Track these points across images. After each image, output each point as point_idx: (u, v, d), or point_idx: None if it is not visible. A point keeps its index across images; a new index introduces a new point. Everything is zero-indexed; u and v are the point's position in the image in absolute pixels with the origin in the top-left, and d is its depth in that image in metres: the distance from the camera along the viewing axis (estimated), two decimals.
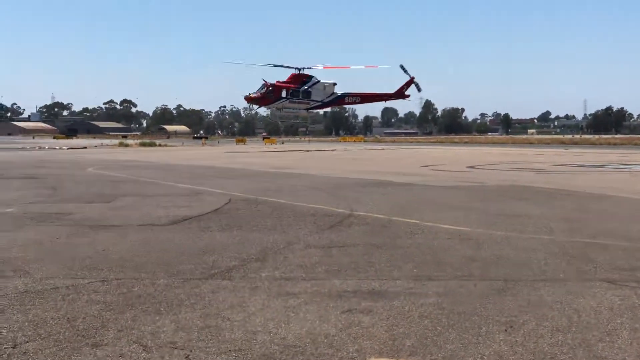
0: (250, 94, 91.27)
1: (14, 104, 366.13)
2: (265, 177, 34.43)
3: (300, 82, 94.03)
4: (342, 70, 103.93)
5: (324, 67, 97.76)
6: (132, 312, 8.68)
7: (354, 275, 10.90)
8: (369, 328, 7.98)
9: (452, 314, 8.54)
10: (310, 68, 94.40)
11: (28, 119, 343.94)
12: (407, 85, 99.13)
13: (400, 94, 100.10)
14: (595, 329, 7.94)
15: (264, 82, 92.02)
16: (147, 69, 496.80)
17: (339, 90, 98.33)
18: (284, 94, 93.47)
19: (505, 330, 7.87)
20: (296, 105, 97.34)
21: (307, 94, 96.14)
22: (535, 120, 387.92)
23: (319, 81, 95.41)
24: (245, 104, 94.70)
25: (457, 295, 9.54)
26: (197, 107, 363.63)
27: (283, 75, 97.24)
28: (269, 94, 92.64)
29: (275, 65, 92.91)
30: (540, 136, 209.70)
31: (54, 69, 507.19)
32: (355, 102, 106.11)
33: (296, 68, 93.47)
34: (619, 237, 14.67)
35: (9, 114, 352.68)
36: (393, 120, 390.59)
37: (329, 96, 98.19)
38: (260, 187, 27.15)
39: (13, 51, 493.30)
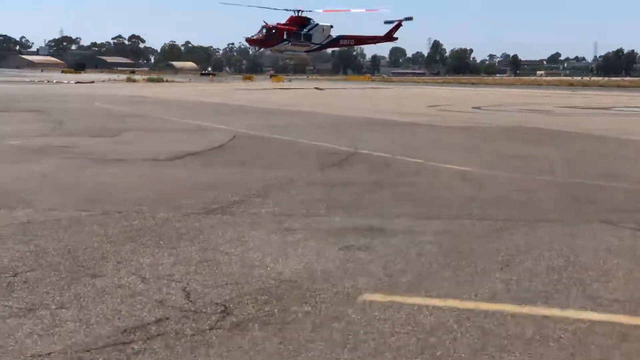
0: (252, 36, 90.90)
1: (23, 37, 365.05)
2: (271, 114, 34.40)
3: (300, 25, 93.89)
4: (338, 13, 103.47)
5: (324, 11, 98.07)
6: (132, 244, 8.72)
7: (355, 212, 10.92)
8: (365, 264, 8.01)
9: (449, 253, 8.56)
10: (310, 11, 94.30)
11: (37, 53, 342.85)
12: (396, 28, 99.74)
13: (389, 37, 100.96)
14: (592, 269, 7.96)
15: (264, 24, 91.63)
16: (156, 4, 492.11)
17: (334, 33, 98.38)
18: (285, 36, 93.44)
19: (501, 269, 7.89)
20: (297, 48, 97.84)
21: (308, 37, 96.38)
22: (544, 62, 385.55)
23: (317, 24, 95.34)
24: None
25: (456, 234, 9.56)
26: (206, 44, 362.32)
27: (282, 18, 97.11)
28: (271, 37, 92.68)
29: (274, 9, 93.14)
30: (548, 78, 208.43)
31: (63, 2, 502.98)
32: (349, 45, 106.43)
33: (295, 10, 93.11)
34: (622, 179, 14.66)
35: (17, 47, 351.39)
36: (401, 60, 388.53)
37: (326, 39, 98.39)
38: (266, 124, 27.12)
39: None
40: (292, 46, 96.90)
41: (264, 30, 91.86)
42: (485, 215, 10.85)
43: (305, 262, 8.07)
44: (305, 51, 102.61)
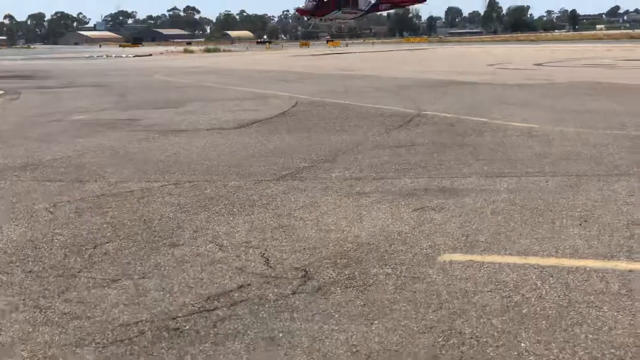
0: (303, 6, 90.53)
1: (80, 13, 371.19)
2: (331, 79, 34.31)
3: None
4: None
5: None
6: (206, 213, 8.76)
7: (424, 173, 10.85)
8: (441, 225, 7.96)
9: (524, 210, 8.47)
10: None
11: (94, 28, 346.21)
12: None
13: None
14: None
15: None
16: None
17: None
18: (335, 4, 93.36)
19: (580, 224, 7.79)
20: (347, 15, 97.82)
21: (355, 3, 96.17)
22: (603, 16, 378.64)
23: None
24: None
25: (529, 191, 9.45)
26: (260, 12, 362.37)
27: None
28: (323, 5, 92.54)
29: None
30: (609, 32, 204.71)
31: None
32: (388, 9, 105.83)
33: None
34: None
35: (75, 24, 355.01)
36: (457, 20, 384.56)
37: (368, 4, 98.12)
38: (326, 90, 27.07)
39: None
40: (342, 14, 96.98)
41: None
42: (557, 171, 10.71)
43: (381, 224, 8.04)
44: (352, 18, 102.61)
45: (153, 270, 6.70)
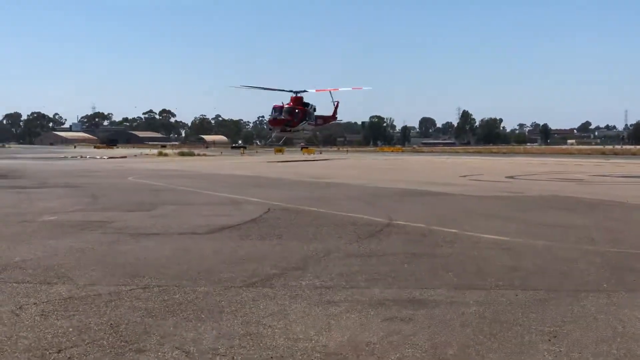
0: (279, 117, 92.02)
1: (56, 114, 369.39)
2: (304, 186, 34.47)
3: (303, 104, 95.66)
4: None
5: (317, 90, 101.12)
6: (174, 318, 8.71)
7: (394, 283, 10.87)
8: (410, 336, 7.95)
9: (494, 323, 8.48)
10: (305, 91, 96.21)
11: (69, 129, 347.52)
12: (336, 108, 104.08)
13: (334, 116, 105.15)
14: None
15: (283, 104, 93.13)
16: (185, 79, 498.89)
17: None
18: (302, 116, 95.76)
19: (549, 340, 7.81)
20: (309, 127, 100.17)
21: (311, 116, 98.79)
22: (574, 131, 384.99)
23: (311, 104, 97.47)
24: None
25: (499, 304, 9.48)
26: (236, 117, 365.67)
27: (273, 99, 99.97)
28: (295, 116, 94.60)
29: (276, 90, 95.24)
30: (580, 146, 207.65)
31: (94, 79, 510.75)
32: (321, 125, 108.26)
33: (294, 92, 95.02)
34: None
35: (51, 124, 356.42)
36: (431, 130, 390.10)
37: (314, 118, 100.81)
38: (299, 197, 27.19)
39: (54, 62, 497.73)
40: (308, 125, 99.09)
41: (287, 111, 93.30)
42: (526, 285, 10.77)
43: (350, 334, 8.02)
44: (312, 130, 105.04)
45: None
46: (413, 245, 14.74)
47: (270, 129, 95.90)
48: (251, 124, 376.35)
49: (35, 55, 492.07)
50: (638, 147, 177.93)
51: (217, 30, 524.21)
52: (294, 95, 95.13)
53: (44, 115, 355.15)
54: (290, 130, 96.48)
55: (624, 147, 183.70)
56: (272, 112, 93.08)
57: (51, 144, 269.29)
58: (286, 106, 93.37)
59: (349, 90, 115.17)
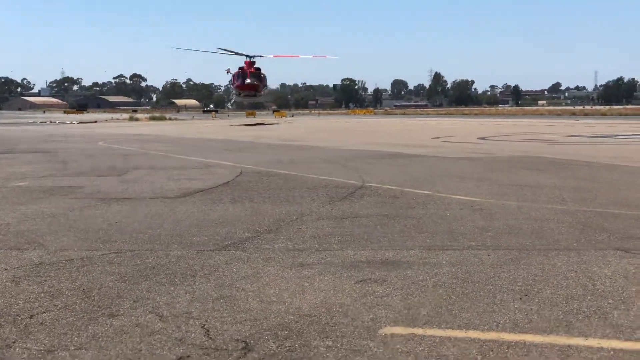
0: (250, 82, 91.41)
1: (24, 79, 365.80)
2: (276, 149, 34.43)
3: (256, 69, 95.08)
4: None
5: (274, 56, 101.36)
6: (147, 283, 8.70)
7: (367, 245, 10.90)
8: (383, 297, 7.98)
9: (466, 283, 8.53)
10: (261, 56, 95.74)
11: (38, 94, 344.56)
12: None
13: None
14: (610, 297, 7.93)
15: (251, 69, 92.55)
16: (156, 43, 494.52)
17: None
18: (263, 81, 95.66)
19: (520, 298, 7.86)
20: (262, 92, 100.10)
21: (266, 81, 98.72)
22: (545, 92, 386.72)
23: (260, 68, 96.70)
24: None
25: (471, 264, 9.53)
26: (207, 82, 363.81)
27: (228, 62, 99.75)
28: (262, 80, 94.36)
29: (227, 51, 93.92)
30: (550, 107, 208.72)
31: (63, 43, 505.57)
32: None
33: (247, 55, 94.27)
34: (632, 207, 14.64)
35: (19, 89, 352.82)
36: (403, 92, 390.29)
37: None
38: (272, 160, 27.16)
39: (23, 26, 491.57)
40: (264, 90, 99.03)
41: (255, 76, 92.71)
42: (498, 245, 10.83)
43: (323, 296, 8.04)
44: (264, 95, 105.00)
45: (90, 341, 6.61)
46: (386, 207, 14.77)
47: (238, 94, 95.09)
48: (222, 88, 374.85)
49: (2, 19, 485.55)
50: (607, 107, 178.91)
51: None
52: (248, 59, 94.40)
53: (11, 80, 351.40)
54: (255, 95, 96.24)
55: (594, 107, 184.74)
56: (239, 76, 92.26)
57: (19, 109, 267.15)
58: (252, 70, 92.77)
59: (309, 58, 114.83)
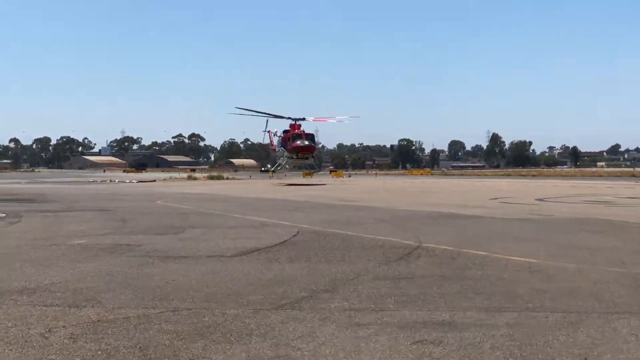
0: (307, 144, 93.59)
1: (85, 138, 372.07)
2: (333, 209, 34.47)
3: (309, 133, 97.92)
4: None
5: (314, 119, 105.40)
6: (203, 341, 8.73)
7: (424, 306, 10.83)
8: (440, 359, 7.90)
9: (524, 346, 8.43)
10: (303, 119, 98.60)
11: (99, 153, 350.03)
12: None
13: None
14: None
15: (303, 131, 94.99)
16: (214, 103, 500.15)
17: None
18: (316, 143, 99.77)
19: None
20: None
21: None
22: (604, 153, 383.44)
23: None
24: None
25: (529, 327, 9.42)
26: (265, 141, 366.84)
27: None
28: (313, 141, 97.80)
29: (277, 117, 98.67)
30: (610, 169, 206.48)
31: (124, 104, 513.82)
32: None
33: (293, 119, 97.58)
34: None
35: (80, 148, 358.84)
36: (460, 153, 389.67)
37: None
38: (328, 220, 27.19)
39: (85, 86, 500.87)
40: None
41: (311, 138, 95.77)
42: (557, 307, 10.69)
43: (378, 357, 8.00)
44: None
45: None
46: (442, 268, 14.69)
47: (290, 157, 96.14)
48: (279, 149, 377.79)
49: (64, 79, 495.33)
50: None
51: (240, 56, 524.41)
52: (293, 122, 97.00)
53: (73, 140, 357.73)
54: (308, 158, 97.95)
55: None
56: (292, 138, 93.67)
57: (80, 168, 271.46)
58: (307, 132, 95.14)
59: (345, 118, 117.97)
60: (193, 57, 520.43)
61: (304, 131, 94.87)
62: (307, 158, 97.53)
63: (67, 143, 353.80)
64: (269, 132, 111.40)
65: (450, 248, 17.93)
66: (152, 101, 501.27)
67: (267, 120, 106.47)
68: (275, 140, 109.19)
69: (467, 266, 14.95)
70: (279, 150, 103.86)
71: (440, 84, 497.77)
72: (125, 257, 16.72)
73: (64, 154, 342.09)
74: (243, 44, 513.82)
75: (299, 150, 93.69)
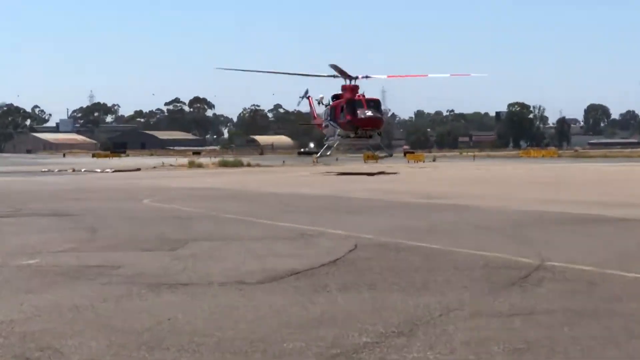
0: (373, 115, 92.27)
1: (36, 106, 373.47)
2: (410, 210, 34.45)
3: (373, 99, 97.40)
4: None
5: (389, 77, 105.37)
6: None
7: (551, 356, 10.80)
8: None
9: None
10: (367, 77, 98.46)
11: (56, 129, 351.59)
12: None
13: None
14: None
15: (364, 97, 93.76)
16: (227, 54, 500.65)
17: None
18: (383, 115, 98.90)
19: None
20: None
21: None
22: None
23: None
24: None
25: None
26: (304, 109, 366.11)
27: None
28: (384, 115, 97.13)
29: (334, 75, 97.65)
30: None
31: (93, 56, 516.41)
32: None
33: (350, 76, 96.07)
34: None
35: (28, 122, 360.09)
36: (602, 124, 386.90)
37: None
38: (403, 226, 27.17)
39: (35, 33, 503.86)
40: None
41: (378, 107, 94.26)
42: None
43: None
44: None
45: None
46: (577, 299, 14.64)
47: (345, 135, 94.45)
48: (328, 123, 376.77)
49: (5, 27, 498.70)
50: None
51: None
52: (350, 82, 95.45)
53: (18, 109, 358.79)
54: (372, 135, 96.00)
55: None
56: (349, 108, 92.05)
57: (28, 150, 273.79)
58: (369, 98, 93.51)
59: (446, 77, 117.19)
60: None
61: (364, 96, 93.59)
62: (370, 136, 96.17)
63: (9, 114, 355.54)
64: (309, 98, 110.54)
65: (588, 268, 17.84)
66: (135, 48, 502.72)
67: (307, 90, 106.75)
68: (321, 111, 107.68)
69: (616, 296, 14.87)
70: (327, 126, 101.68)
71: (570, 22, 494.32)
72: (97, 285, 16.81)
73: (5, 129, 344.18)
74: None
75: (358, 125, 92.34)
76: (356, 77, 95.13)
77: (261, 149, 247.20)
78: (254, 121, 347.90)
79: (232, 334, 12.36)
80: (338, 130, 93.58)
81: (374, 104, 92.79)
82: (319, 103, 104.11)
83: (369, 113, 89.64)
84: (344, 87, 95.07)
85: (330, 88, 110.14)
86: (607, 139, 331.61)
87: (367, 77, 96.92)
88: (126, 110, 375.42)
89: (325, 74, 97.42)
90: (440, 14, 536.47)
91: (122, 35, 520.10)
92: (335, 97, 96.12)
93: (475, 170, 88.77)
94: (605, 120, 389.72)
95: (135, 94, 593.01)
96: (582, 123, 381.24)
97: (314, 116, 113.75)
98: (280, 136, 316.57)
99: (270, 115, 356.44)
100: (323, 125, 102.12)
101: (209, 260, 20.07)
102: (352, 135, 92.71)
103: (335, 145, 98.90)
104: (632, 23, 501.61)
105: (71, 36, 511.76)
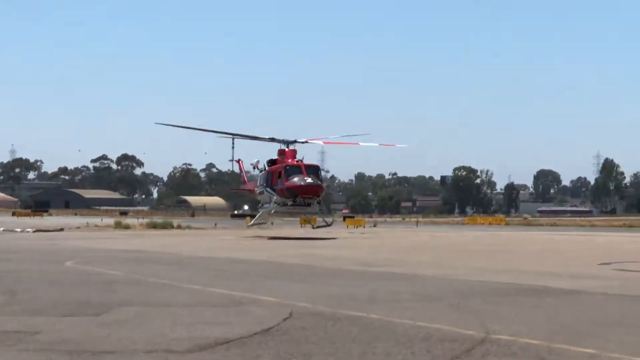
0: (313, 182, 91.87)
1: None
2: (348, 278, 34.50)
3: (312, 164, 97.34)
4: None
5: (325, 142, 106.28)
6: None
7: None
8: None
9: None
10: (305, 142, 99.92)
11: None
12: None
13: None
14: None
15: (303, 162, 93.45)
16: (158, 113, 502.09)
17: None
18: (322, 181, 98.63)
19: None
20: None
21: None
22: None
23: None
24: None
25: None
26: (237, 170, 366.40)
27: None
28: (322, 182, 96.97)
29: (253, 138, 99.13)
30: None
31: (14, 108, 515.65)
32: None
33: (285, 141, 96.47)
34: None
35: None
36: (552, 191, 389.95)
37: None
38: (341, 294, 27.18)
39: None
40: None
41: (312, 173, 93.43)
42: None
43: None
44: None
45: None
46: None
47: (282, 202, 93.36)
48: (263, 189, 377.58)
49: None
50: None
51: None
52: (285, 148, 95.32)
53: None
54: (311, 204, 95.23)
55: None
56: (287, 173, 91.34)
57: None
58: (308, 163, 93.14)
59: (374, 146, 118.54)
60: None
61: (302, 162, 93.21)
62: (309, 204, 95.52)
63: None
64: (238, 161, 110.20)
65: (535, 342, 17.90)
66: (62, 107, 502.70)
67: (232, 140, 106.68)
68: (256, 176, 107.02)
69: None
70: (262, 192, 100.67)
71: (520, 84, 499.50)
72: (14, 352, 16.69)
73: None
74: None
75: (297, 193, 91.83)
76: (294, 141, 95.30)
77: (192, 211, 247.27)
78: (185, 181, 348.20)
79: None
80: (275, 198, 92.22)
81: (314, 170, 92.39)
82: (253, 168, 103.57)
83: (309, 180, 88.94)
84: (280, 152, 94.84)
85: (267, 152, 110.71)
86: (557, 207, 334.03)
87: (305, 142, 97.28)
88: (50, 167, 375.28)
89: (265, 137, 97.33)
90: (386, 75, 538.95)
91: (45, 86, 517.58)
92: (271, 162, 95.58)
93: (417, 236, 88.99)
94: (556, 186, 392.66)
95: (60, 150, 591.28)
96: (531, 189, 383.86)
97: (244, 181, 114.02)
98: (213, 197, 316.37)
99: (202, 175, 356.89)
100: (257, 191, 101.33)
101: (134, 327, 19.98)
102: (289, 203, 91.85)
103: (272, 212, 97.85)
104: (585, 87, 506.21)
105: None
